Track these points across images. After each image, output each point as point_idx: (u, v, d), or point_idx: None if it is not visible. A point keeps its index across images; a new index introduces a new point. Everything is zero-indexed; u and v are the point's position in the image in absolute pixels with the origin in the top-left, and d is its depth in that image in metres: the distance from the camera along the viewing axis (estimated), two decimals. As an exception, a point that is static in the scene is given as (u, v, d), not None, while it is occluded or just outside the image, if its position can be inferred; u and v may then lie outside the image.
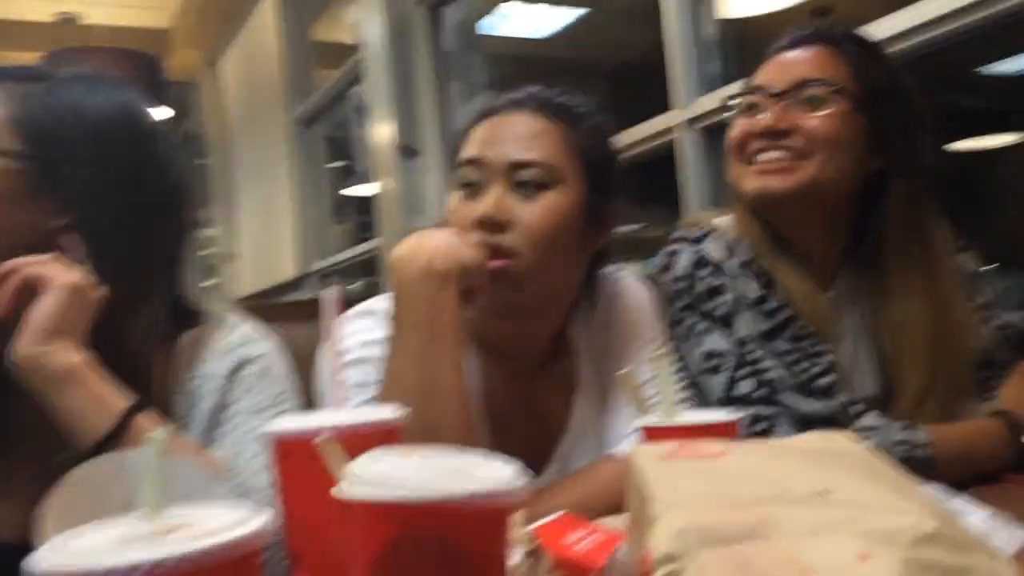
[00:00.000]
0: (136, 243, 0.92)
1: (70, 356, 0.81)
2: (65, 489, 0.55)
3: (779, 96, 1.18)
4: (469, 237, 1.00)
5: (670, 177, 2.28)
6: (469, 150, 1.07)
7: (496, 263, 1.00)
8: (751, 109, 1.21)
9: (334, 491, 0.49)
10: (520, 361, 1.14)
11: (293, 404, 1.00)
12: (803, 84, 1.18)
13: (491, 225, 1.00)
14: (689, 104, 2.21)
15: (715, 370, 1.14)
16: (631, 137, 2.36)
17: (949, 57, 1.87)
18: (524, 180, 1.02)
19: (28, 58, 4.08)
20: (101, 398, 0.81)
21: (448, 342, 0.95)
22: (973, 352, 1.22)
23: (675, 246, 1.22)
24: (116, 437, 0.80)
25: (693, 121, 2.21)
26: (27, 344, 0.80)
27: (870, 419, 1.11)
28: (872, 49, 1.24)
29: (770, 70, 1.22)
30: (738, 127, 1.22)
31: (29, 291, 0.81)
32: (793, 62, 1.21)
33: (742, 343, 1.14)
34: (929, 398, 1.17)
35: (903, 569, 0.37)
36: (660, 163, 2.36)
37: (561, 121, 1.06)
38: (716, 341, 1.15)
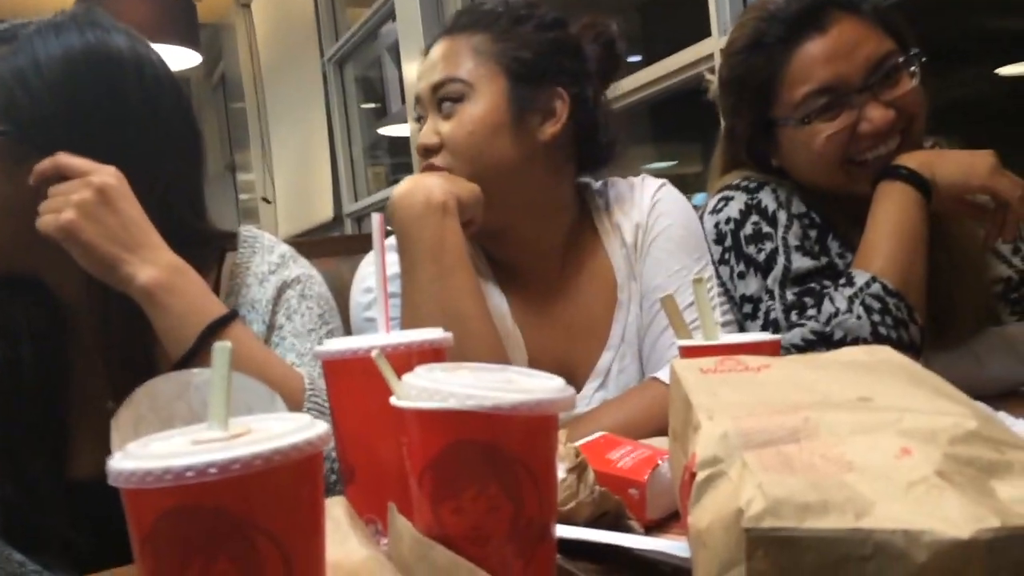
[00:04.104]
0: (136, 175, 0.87)
1: (145, 271, 0.83)
2: (132, 405, 0.57)
3: (863, 90, 1.09)
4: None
5: (703, 114, 2.24)
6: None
7: None
8: (829, 112, 1.10)
9: (391, 400, 0.51)
10: (541, 276, 1.16)
11: (336, 323, 1.02)
12: (878, 64, 1.09)
13: (425, 151, 1.09)
14: (729, 31, 2.16)
15: (753, 315, 1.14)
16: (664, 69, 2.32)
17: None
18: (443, 99, 1.10)
19: (65, 3, 4.07)
20: (184, 317, 0.83)
21: (460, 269, 0.98)
22: (999, 279, 1.21)
23: (729, 192, 1.20)
24: (196, 356, 0.82)
25: (732, 49, 2.15)
26: (103, 273, 0.83)
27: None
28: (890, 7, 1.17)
29: (828, 62, 1.09)
30: (831, 140, 1.10)
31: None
32: (850, 42, 1.09)
33: (769, 290, 1.12)
34: (955, 323, 1.15)
35: (944, 464, 0.38)
36: (692, 98, 2.30)
37: (473, 31, 1.12)
38: (752, 286, 1.14)
